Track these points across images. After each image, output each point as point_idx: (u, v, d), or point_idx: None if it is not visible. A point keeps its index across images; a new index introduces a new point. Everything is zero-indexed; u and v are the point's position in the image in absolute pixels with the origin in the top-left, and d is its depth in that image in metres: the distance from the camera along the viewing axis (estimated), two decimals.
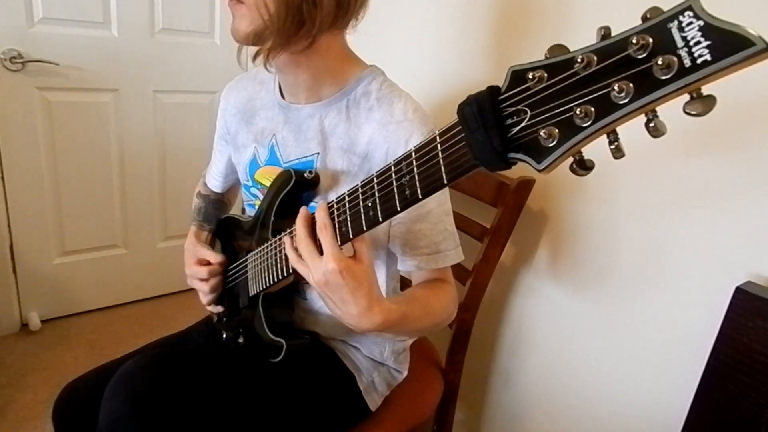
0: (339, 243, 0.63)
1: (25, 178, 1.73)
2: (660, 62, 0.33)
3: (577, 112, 0.37)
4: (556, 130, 0.39)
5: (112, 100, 1.81)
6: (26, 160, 1.71)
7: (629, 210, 0.95)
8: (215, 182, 1.09)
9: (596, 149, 0.40)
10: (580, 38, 0.41)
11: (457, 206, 0.86)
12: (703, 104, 0.33)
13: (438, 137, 0.49)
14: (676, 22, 0.33)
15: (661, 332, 0.92)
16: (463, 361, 1.17)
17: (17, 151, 1.69)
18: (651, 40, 0.33)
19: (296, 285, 0.90)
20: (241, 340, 0.90)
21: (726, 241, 0.82)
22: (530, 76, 0.40)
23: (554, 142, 0.39)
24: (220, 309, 0.99)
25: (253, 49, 0.77)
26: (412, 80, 1.00)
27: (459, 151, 0.47)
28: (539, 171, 0.41)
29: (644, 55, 0.34)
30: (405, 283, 0.96)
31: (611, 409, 1.03)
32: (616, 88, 0.35)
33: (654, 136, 0.36)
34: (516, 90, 0.42)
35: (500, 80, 0.43)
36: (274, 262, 0.78)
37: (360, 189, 0.61)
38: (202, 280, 0.94)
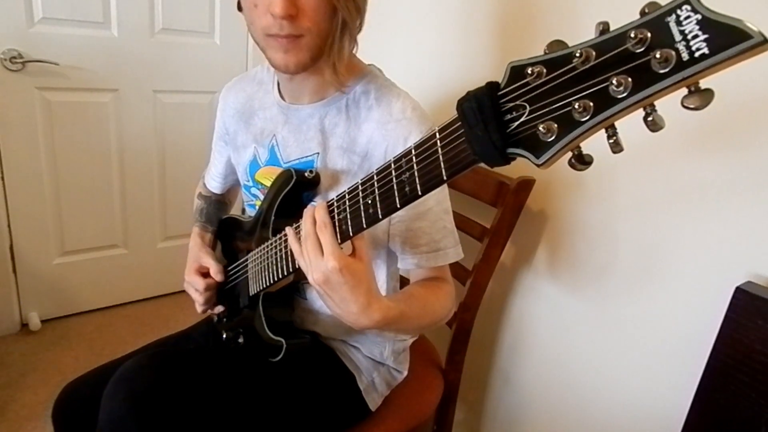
0: (339, 241, 0.63)
1: (25, 178, 1.73)
2: (658, 56, 0.33)
3: (576, 106, 0.37)
4: (555, 125, 0.39)
5: (112, 100, 1.81)
6: (26, 160, 1.71)
7: (629, 210, 0.95)
8: (214, 183, 1.09)
9: (596, 146, 0.40)
10: (580, 35, 0.41)
11: (457, 206, 0.87)
12: (701, 98, 0.33)
13: (437, 133, 0.49)
14: (674, 16, 0.33)
15: (661, 332, 0.92)
16: (463, 361, 1.17)
17: (17, 151, 1.69)
18: (649, 34, 0.34)
19: (296, 285, 0.90)
20: (241, 339, 0.90)
21: (726, 241, 0.82)
22: (529, 72, 0.40)
23: (553, 137, 0.39)
24: (220, 309, 0.99)
25: (259, 53, 0.77)
26: (413, 79, 1.00)
27: (458, 147, 0.47)
28: (538, 166, 0.41)
29: (642, 50, 0.34)
30: (404, 281, 0.96)
31: (611, 408, 1.02)
32: (614, 82, 0.35)
33: (652, 131, 0.36)
34: (515, 85, 0.42)
35: (500, 78, 0.43)
36: (274, 261, 0.78)
37: (360, 187, 0.61)
38: (197, 290, 0.95)
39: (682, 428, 0.82)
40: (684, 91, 0.34)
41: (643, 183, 0.92)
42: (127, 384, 0.74)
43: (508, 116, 0.42)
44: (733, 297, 0.75)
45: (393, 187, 0.55)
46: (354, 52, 0.80)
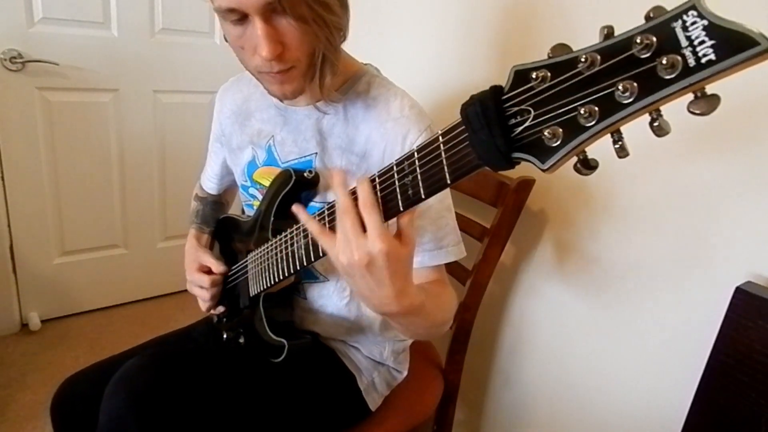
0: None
1: (25, 178, 1.73)
2: (664, 62, 0.33)
3: (581, 111, 0.37)
4: (560, 130, 0.38)
5: (112, 100, 1.81)
6: (26, 160, 1.71)
7: (629, 210, 0.95)
8: (211, 184, 1.09)
9: (599, 149, 0.41)
10: (583, 38, 0.41)
11: (457, 206, 0.86)
12: (707, 103, 0.33)
13: (441, 137, 0.49)
14: (680, 22, 0.33)
15: (661, 332, 0.92)
16: (463, 361, 1.17)
17: (17, 151, 1.69)
18: (655, 39, 0.33)
19: (296, 285, 0.90)
20: (241, 340, 0.90)
21: (726, 241, 0.82)
22: (534, 76, 0.40)
23: (558, 142, 0.39)
24: (221, 309, 0.99)
25: None
26: (414, 80, 1.00)
27: (462, 151, 0.47)
28: (543, 171, 0.41)
29: (648, 55, 0.34)
30: None
31: (611, 408, 1.03)
32: (620, 87, 0.35)
33: (658, 136, 0.36)
34: (519, 90, 0.41)
35: (503, 80, 0.43)
36: (275, 262, 0.78)
37: None
38: (203, 287, 0.94)
39: (682, 428, 0.82)
40: (690, 96, 0.34)
41: (643, 183, 0.92)
42: (127, 384, 0.74)
43: (513, 121, 0.42)
44: (733, 297, 0.75)
45: (396, 190, 0.55)
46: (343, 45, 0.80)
